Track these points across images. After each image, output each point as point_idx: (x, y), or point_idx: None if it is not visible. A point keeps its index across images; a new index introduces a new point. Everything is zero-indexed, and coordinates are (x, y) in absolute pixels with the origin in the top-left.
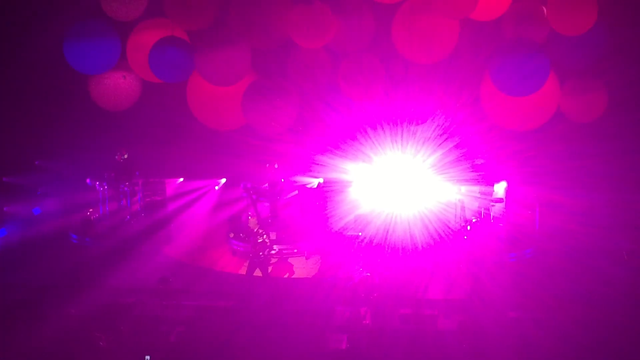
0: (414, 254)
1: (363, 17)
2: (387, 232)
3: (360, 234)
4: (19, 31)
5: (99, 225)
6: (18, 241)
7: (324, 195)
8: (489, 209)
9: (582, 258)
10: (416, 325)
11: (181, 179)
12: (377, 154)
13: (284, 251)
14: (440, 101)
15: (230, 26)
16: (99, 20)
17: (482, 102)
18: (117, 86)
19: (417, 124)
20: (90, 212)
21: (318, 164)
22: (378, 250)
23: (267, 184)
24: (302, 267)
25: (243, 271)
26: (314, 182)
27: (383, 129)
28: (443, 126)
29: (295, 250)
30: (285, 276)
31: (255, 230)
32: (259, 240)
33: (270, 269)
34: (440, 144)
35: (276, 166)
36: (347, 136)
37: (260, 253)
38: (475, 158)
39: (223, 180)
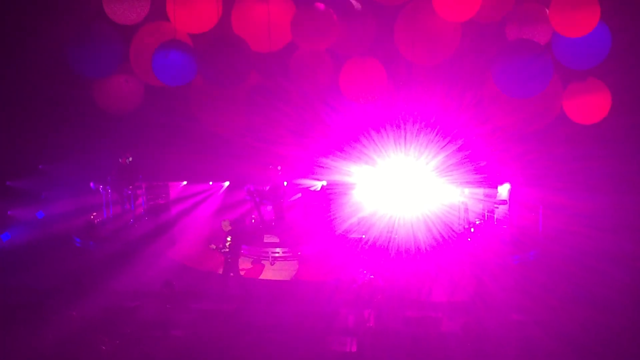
0: (418, 256)
1: (365, 19)
2: (391, 234)
3: (363, 236)
4: (22, 35)
5: (102, 228)
6: (22, 244)
7: (328, 197)
8: (492, 211)
9: (586, 260)
10: (420, 328)
11: (184, 182)
12: (380, 156)
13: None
14: (443, 103)
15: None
16: (101, 24)
17: (485, 103)
18: (120, 90)
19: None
20: (93, 215)
21: (321, 167)
22: (381, 252)
23: (270, 187)
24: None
25: (247, 274)
26: (317, 184)
27: (386, 131)
28: (446, 128)
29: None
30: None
31: (226, 231)
32: (227, 243)
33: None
34: (443, 146)
35: (279, 169)
36: (350, 138)
37: (228, 256)
38: (478, 160)
39: (226, 184)
